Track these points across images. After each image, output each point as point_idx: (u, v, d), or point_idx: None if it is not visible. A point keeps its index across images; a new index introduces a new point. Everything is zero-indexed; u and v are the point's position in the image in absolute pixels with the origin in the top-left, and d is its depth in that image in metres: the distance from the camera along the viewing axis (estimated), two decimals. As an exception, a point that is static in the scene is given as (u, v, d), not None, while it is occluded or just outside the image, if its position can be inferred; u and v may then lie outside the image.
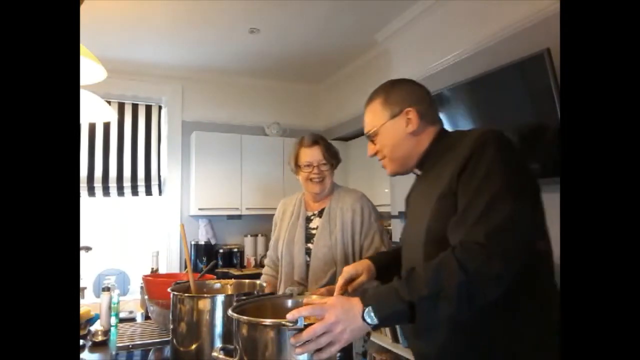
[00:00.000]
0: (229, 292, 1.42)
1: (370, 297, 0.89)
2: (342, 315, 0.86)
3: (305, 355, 0.86)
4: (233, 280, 1.49)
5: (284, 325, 0.85)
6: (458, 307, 0.87)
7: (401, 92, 1.15)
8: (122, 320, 1.82)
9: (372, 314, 0.87)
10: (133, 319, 1.91)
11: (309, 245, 1.73)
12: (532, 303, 0.96)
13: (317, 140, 1.75)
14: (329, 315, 0.85)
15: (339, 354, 0.91)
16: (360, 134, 4.22)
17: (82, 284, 2.71)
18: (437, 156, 1.11)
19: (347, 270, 1.22)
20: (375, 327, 0.88)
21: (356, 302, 0.89)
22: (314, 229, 1.76)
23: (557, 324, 0.98)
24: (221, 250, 4.16)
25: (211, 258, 4.05)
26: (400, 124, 1.13)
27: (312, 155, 1.73)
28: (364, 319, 0.86)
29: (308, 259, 1.71)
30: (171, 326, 1.25)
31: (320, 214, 1.77)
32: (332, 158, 1.76)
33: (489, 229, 0.88)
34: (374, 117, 1.16)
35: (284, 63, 4.06)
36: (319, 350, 0.84)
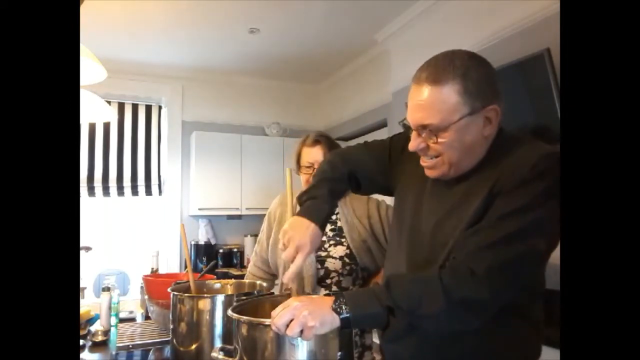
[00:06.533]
0: (229, 292, 1.42)
1: (343, 294, 0.89)
2: (306, 300, 0.87)
3: (304, 356, 0.86)
4: (233, 280, 1.49)
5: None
6: (434, 330, 0.89)
7: (485, 80, 0.88)
8: (122, 320, 1.81)
9: (343, 307, 0.86)
10: (133, 319, 1.90)
11: (319, 253, 1.59)
12: (513, 318, 0.95)
13: (319, 139, 1.64)
14: (291, 300, 0.87)
15: (339, 354, 0.91)
16: (360, 134, 4.22)
17: (82, 284, 2.70)
18: (486, 161, 0.93)
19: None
20: (347, 325, 0.87)
21: (327, 297, 0.90)
22: None
23: (540, 336, 1.00)
24: (221, 250, 4.16)
25: (211, 258, 4.05)
26: (477, 123, 0.88)
27: (313, 155, 1.62)
28: (333, 310, 0.86)
29: (319, 267, 1.58)
30: (171, 326, 1.25)
31: None
32: None
33: (493, 262, 0.84)
34: (443, 106, 0.86)
35: (284, 63, 4.06)
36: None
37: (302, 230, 1.00)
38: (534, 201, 0.84)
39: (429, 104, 0.87)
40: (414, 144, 0.93)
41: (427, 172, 0.97)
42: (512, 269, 0.86)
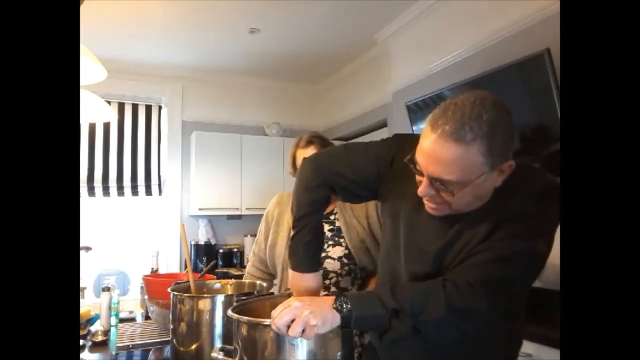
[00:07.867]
0: (229, 292, 1.42)
1: (344, 294, 0.91)
2: (308, 301, 0.88)
3: (304, 356, 0.86)
4: (233, 280, 1.49)
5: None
6: (434, 336, 0.91)
7: (506, 138, 0.84)
8: (122, 320, 1.82)
9: (345, 305, 0.87)
10: (133, 319, 1.91)
11: None
12: (505, 320, 0.98)
13: (312, 140, 1.62)
14: (291, 300, 0.88)
15: (339, 354, 0.91)
16: (360, 134, 4.22)
17: (82, 284, 2.70)
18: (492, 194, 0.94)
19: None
20: (348, 324, 0.88)
21: (327, 297, 0.91)
22: None
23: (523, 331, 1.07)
24: (221, 250, 4.16)
25: (211, 258, 4.05)
26: (493, 177, 0.87)
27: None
28: (335, 309, 0.87)
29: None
30: (171, 326, 1.25)
31: (325, 218, 1.62)
32: None
33: (489, 278, 0.87)
34: (465, 165, 0.82)
35: (284, 63, 4.06)
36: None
37: (301, 284, 1.10)
38: (536, 229, 0.88)
39: (450, 161, 0.82)
40: (424, 191, 0.89)
41: (429, 210, 0.95)
42: (509, 284, 0.90)
